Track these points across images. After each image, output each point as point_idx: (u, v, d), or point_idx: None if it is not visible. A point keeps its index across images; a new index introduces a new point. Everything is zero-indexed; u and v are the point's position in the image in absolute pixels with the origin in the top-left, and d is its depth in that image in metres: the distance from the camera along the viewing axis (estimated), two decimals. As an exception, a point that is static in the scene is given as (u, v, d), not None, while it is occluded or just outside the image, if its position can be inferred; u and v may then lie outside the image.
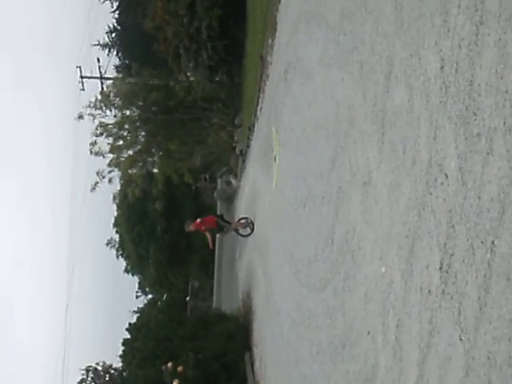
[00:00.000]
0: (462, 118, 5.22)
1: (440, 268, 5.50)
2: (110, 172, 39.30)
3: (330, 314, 9.64)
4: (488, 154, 4.82)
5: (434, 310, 5.59)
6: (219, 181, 47.46)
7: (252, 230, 23.87)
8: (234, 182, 39.86)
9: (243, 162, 32.73)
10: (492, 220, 4.74)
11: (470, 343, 4.95)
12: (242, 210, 31.78)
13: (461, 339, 5.08)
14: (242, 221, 25.25)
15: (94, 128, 37.88)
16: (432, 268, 5.66)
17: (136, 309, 63.52)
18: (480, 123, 4.95)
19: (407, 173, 6.35)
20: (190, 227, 24.31)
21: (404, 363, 6.27)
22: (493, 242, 4.70)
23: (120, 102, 38.37)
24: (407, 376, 6.16)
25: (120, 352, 25.24)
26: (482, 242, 4.84)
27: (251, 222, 24.05)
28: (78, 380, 28.72)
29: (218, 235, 28.19)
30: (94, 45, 50.30)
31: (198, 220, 24.13)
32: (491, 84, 4.83)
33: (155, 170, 42.87)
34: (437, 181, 5.63)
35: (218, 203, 48.14)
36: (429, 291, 5.71)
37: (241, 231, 25.19)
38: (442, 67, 5.50)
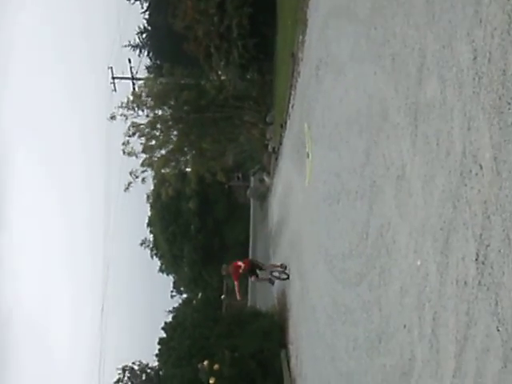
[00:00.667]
0: (496, 107, 5.19)
1: (476, 259, 5.47)
2: (143, 172, 39.45)
3: (365, 309, 9.62)
4: (523, 143, 4.79)
5: (470, 301, 5.56)
6: (252, 179, 47.50)
7: (287, 275, 21.77)
8: (266, 179, 39.84)
9: (276, 159, 32.70)
10: (528, 210, 4.72)
11: (507, 334, 4.92)
12: (275, 205, 31.78)
13: (498, 330, 5.05)
14: (278, 268, 23.24)
15: (127, 128, 38.06)
16: (468, 259, 5.63)
17: (171, 308, 63.64)
18: (514, 112, 4.92)
19: (441, 165, 6.32)
20: (229, 269, 23.35)
21: (441, 356, 6.24)
22: (529, 232, 4.67)
23: (152, 102, 38.48)
24: (444, 368, 6.13)
25: (156, 351, 25.37)
26: (519, 232, 4.82)
27: (285, 268, 22.35)
28: (115, 379, 28.96)
29: (251, 279, 25.79)
30: (125, 46, 50.56)
31: (239, 263, 22.89)
32: (525, 73, 4.81)
33: (188, 169, 42.96)
34: (471, 172, 5.60)
35: (252, 201, 48.17)
36: (465, 283, 5.68)
37: (276, 274, 22.82)
38: (474, 58, 5.47)
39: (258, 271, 23.75)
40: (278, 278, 22.73)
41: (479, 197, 5.46)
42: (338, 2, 12.60)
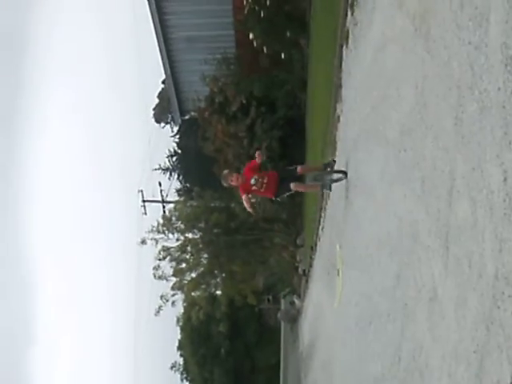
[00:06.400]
0: (528, 229, 5.18)
1: (511, 382, 5.35)
2: (173, 295, 39.48)
3: None
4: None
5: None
6: (282, 301, 47.26)
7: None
8: (297, 302, 39.65)
9: (306, 281, 32.59)
10: None
11: None
12: (305, 328, 31.47)
13: None
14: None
15: (157, 252, 38.36)
16: (503, 383, 5.52)
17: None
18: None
19: (473, 287, 6.26)
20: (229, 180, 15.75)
21: None
22: None
23: (182, 226, 38.84)
24: None
25: None
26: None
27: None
28: None
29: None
30: (156, 169, 51.39)
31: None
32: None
33: (218, 292, 42.94)
34: (504, 294, 5.54)
35: (282, 324, 47.79)
36: (500, 407, 5.55)
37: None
38: (504, 179, 5.49)
39: None
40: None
41: (513, 319, 5.39)
42: (367, 126, 12.78)
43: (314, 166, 19.31)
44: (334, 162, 16.77)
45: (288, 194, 16.17)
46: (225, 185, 16.17)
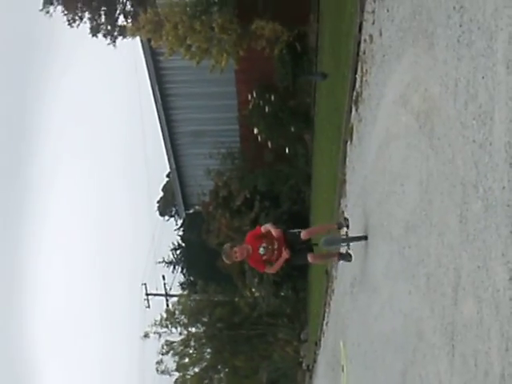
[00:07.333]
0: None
1: None
2: (176, 391, 39.09)
3: None
4: None
5: None
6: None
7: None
8: (301, 398, 39.11)
9: (310, 377, 32.22)
10: None
11: None
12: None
13: None
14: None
15: (160, 346, 38.10)
16: None
17: None
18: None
19: (480, 386, 6.18)
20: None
21: None
22: None
23: (185, 319, 38.68)
24: None
25: None
26: None
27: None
28: None
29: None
30: (159, 262, 51.28)
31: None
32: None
33: (221, 388, 42.46)
34: (513, 395, 5.47)
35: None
36: None
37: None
38: (510, 278, 5.48)
39: None
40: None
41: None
42: (372, 222, 12.80)
43: (321, 227, 17.25)
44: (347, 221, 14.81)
45: (302, 263, 15.16)
46: (227, 262, 14.02)
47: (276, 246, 13.51)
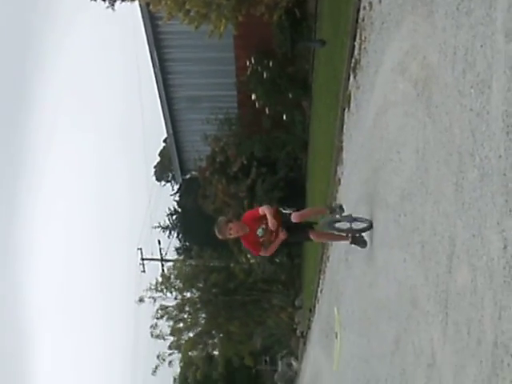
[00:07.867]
0: (529, 298, 5.16)
1: None
2: (170, 355, 39.20)
3: None
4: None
5: None
6: (280, 363, 46.81)
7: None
8: (294, 364, 39.31)
9: (304, 343, 32.35)
10: None
11: None
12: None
13: None
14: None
15: (155, 311, 38.19)
16: None
17: None
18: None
19: (472, 354, 6.20)
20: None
21: None
22: None
23: (180, 284, 38.76)
24: None
25: None
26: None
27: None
28: None
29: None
30: (155, 227, 51.31)
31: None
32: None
33: (215, 353, 42.62)
34: (503, 362, 5.48)
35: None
36: None
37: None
38: (504, 247, 5.48)
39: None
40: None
41: (512, 388, 5.33)
42: (368, 189, 12.79)
43: (312, 210, 15.43)
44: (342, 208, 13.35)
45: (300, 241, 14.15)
46: (219, 237, 12.56)
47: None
